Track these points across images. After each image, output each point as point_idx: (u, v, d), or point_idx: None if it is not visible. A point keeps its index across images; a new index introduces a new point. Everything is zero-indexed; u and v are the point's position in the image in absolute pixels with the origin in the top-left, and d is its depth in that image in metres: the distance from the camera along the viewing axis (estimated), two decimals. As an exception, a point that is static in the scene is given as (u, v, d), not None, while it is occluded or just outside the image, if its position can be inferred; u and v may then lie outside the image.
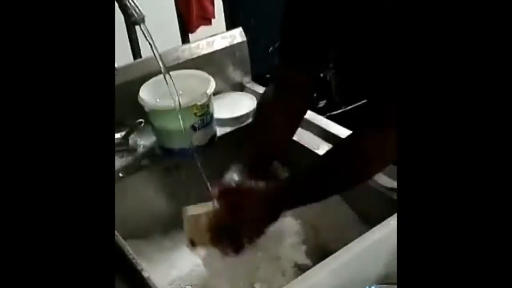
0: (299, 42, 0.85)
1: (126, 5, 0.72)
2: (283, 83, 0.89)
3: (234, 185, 0.80)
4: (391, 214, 0.72)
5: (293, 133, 0.93)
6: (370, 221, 0.75)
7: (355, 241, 0.68)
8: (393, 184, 0.85)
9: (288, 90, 0.88)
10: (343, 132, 0.99)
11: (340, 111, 1.39)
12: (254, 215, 0.77)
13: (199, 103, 0.98)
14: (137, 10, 0.73)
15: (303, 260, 0.85)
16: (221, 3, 1.85)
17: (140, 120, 0.96)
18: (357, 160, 0.75)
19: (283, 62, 0.89)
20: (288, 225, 0.87)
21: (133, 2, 0.73)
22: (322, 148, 0.98)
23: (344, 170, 0.76)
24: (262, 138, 0.88)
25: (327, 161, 0.79)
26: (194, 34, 1.90)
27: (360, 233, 0.68)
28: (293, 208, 0.81)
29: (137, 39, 1.57)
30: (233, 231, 0.77)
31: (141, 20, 0.73)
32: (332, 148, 0.81)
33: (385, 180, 0.87)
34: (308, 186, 0.78)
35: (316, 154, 0.97)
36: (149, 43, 0.74)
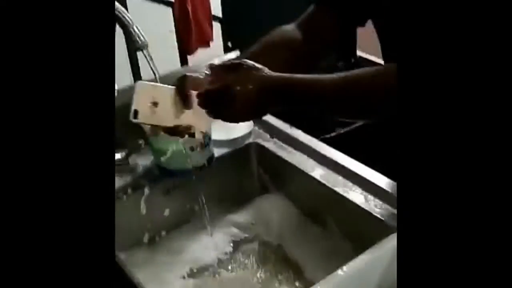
0: None
1: (131, 32, 0.75)
2: (307, 22, 0.87)
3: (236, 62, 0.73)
4: (382, 238, 0.74)
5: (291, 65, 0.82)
6: (361, 244, 0.77)
7: (348, 264, 0.70)
8: (383, 206, 0.88)
9: (310, 29, 0.86)
10: (337, 155, 1.01)
11: (333, 134, 1.42)
12: (248, 94, 0.70)
13: (197, 126, 1.00)
14: (141, 37, 0.76)
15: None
16: (219, 25, 1.90)
17: (140, 141, 0.98)
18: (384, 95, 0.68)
19: (318, 4, 0.87)
20: (276, 253, 0.88)
21: (138, 29, 0.76)
22: (316, 170, 1.01)
23: (368, 96, 0.70)
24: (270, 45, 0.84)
25: (354, 81, 0.72)
26: (192, 56, 1.94)
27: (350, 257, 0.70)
28: (290, 105, 0.74)
29: (138, 62, 1.60)
30: (224, 98, 0.71)
31: (145, 47, 0.76)
32: (365, 71, 0.73)
33: (377, 203, 0.89)
34: (320, 93, 0.72)
35: (310, 177, 1.00)
36: (151, 68, 0.77)
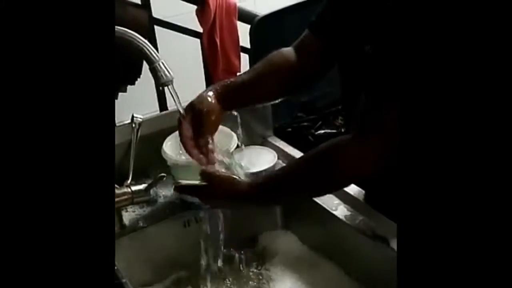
0: (339, 18, 0.87)
1: (155, 69, 0.75)
2: (300, 45, 0.95)
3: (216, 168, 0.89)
4: None
5: (282, 93, 0.97)
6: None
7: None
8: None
9: (302, 52, 0.94)
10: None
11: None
12: (220, 202, 0.89)
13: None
14: (166, 73, 0.76)
15: None
16: (247, 56, 1.91)
17: (162, 174, 0.99)
18: (330, 172, 0.78)
19: (312, 31, 0.93)
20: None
21: (163, 65, 0.77)
22: (340, 209, 0.99)
23: (314, 180, 0.80)
24: (249, 78, 0.94)
25: (300, 170, 0.83)
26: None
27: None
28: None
29: (164, 91, 1.62)
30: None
31: (170, 83, 0.77)
32: (308, 155, 0.84)
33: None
34: (277, 192, 0.84)
35: (332, 215, 0.98)
36: (176, 104, 0.77)
